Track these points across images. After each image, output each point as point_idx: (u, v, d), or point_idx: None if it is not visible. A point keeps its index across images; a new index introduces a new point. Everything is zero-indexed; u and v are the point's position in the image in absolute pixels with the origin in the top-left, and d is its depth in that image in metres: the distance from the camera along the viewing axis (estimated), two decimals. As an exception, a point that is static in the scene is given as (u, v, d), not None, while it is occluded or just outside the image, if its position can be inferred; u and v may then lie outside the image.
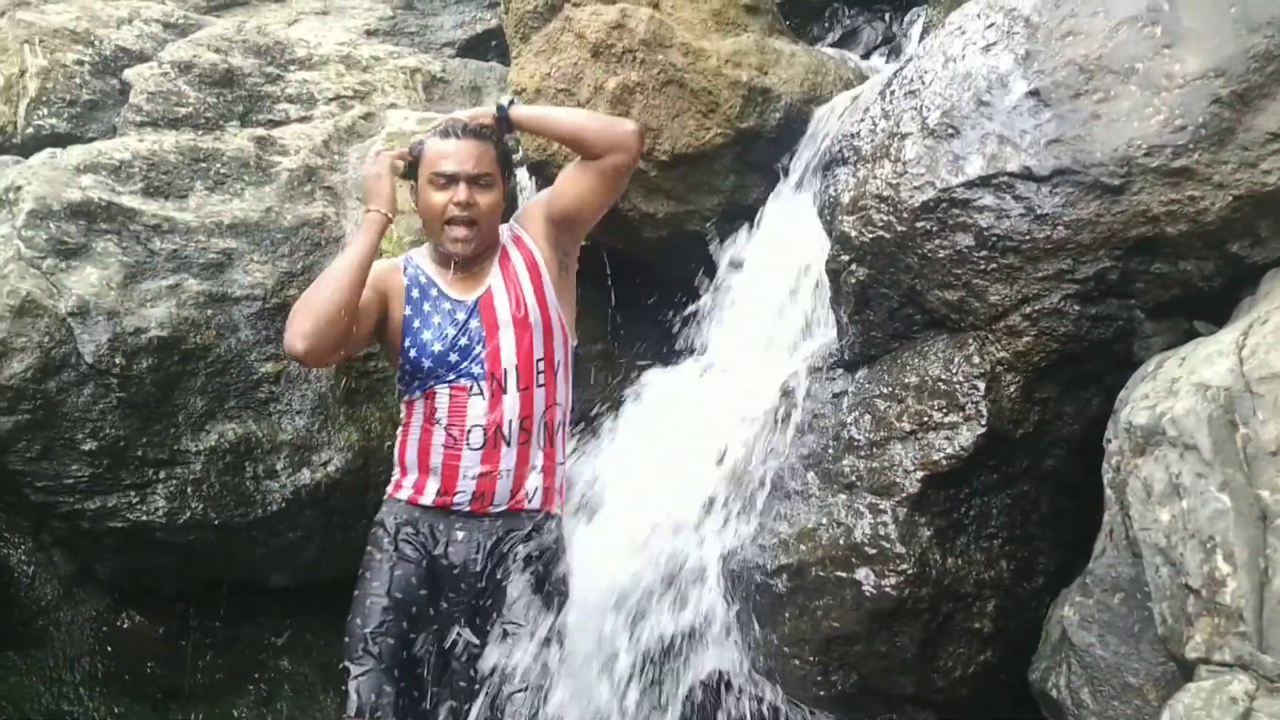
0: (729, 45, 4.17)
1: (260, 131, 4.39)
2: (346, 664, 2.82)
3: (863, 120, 3.35)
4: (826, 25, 7.46)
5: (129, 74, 4.40)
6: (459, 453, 2.92)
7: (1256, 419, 2.24)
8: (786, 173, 4.08)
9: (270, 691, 3.84)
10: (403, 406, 3.05)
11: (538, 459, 2.96)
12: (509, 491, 2.94)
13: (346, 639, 2.86)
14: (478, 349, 2.93)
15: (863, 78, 4.28)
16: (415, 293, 3.00)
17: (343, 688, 2.78)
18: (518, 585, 2.89)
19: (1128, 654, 2.57)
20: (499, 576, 2.91)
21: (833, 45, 7.22)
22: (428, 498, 2.95)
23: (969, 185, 2.89)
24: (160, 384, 3.58)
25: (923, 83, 3.21)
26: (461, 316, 2.95)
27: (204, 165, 4.10)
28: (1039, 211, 2.79)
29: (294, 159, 4.28)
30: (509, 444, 2.92)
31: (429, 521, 2.95)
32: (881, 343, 3.14)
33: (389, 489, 3.05)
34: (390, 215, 2.98)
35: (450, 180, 2.92)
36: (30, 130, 4.18)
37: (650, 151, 4.06)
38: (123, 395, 3.51)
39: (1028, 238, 2.80)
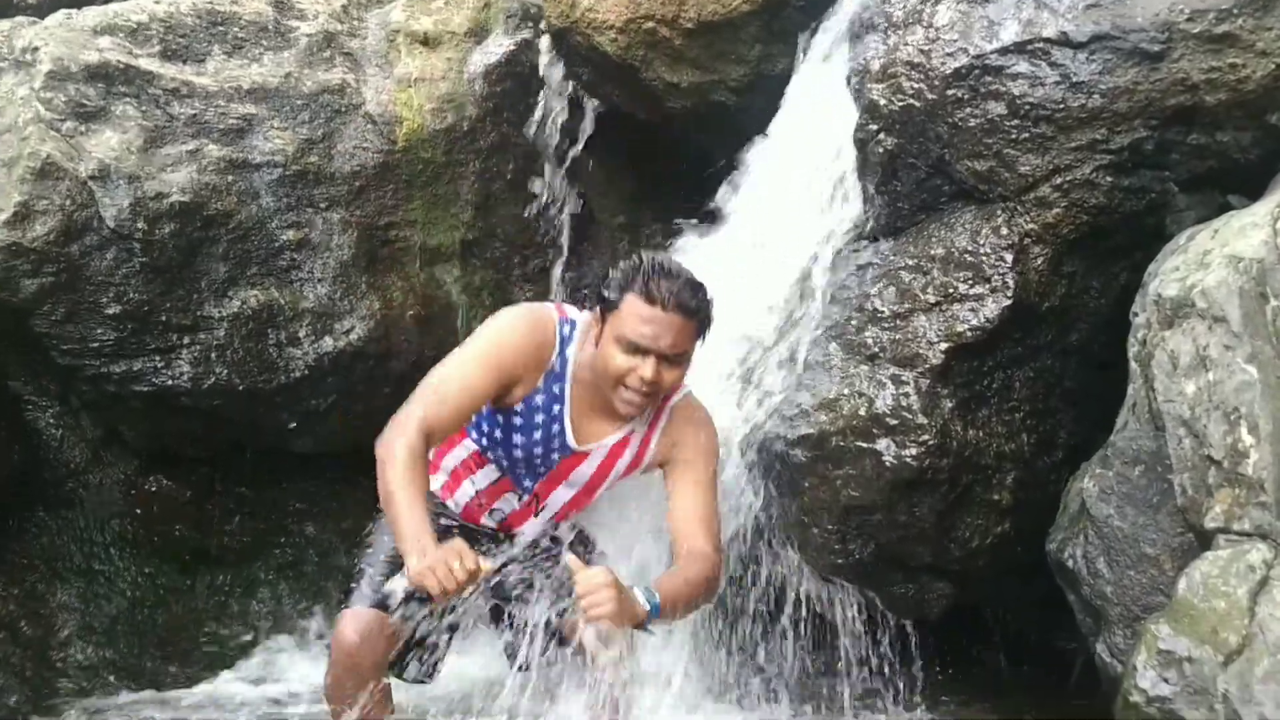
0: (757, -91, 4.03)
1: (277, -4, 4.31)
2: (350, 602, 2.72)
3: (894, -13, 3.27)
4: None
5: (143, -66, 4.30)
6: (480, 512, 2.90)
7: (1289, 291, 2.22)
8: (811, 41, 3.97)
9: (295, 555, 3.91)
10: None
11: None
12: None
13: (353, 586, 2.75)
14: (541, 471, 2.81)
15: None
16: (539, 400, 2.74)
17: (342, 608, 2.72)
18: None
19: (1145, 525, 2.59)
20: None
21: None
22: (454, 508, 2.92)
23: (1003, 52, 2.83)
24: (182, 249, 3.57)
25: (958, -53, 3.11)
26: (555, 446, 2.78)
27: (221, 29, 4.02)
28: (1074, 79, 2.74)
29: (312, 24, 4.20)
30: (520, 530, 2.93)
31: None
32: (908, 214, 3.11)
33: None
34: (414, 568, 2.39)
35: (642, 352, 2.60)
36: (47, -7, 4.11)
37: (675, 19, 3.95)
38: (145, 260, 3.50)
39: (1062, 106, 2.75)
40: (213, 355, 3.56)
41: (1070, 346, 2.99)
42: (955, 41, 2.91)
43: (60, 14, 3.83)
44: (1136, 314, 2.68)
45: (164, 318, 3.53)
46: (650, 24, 3.95)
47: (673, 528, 2.72)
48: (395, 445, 2.55)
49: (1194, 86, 2.64)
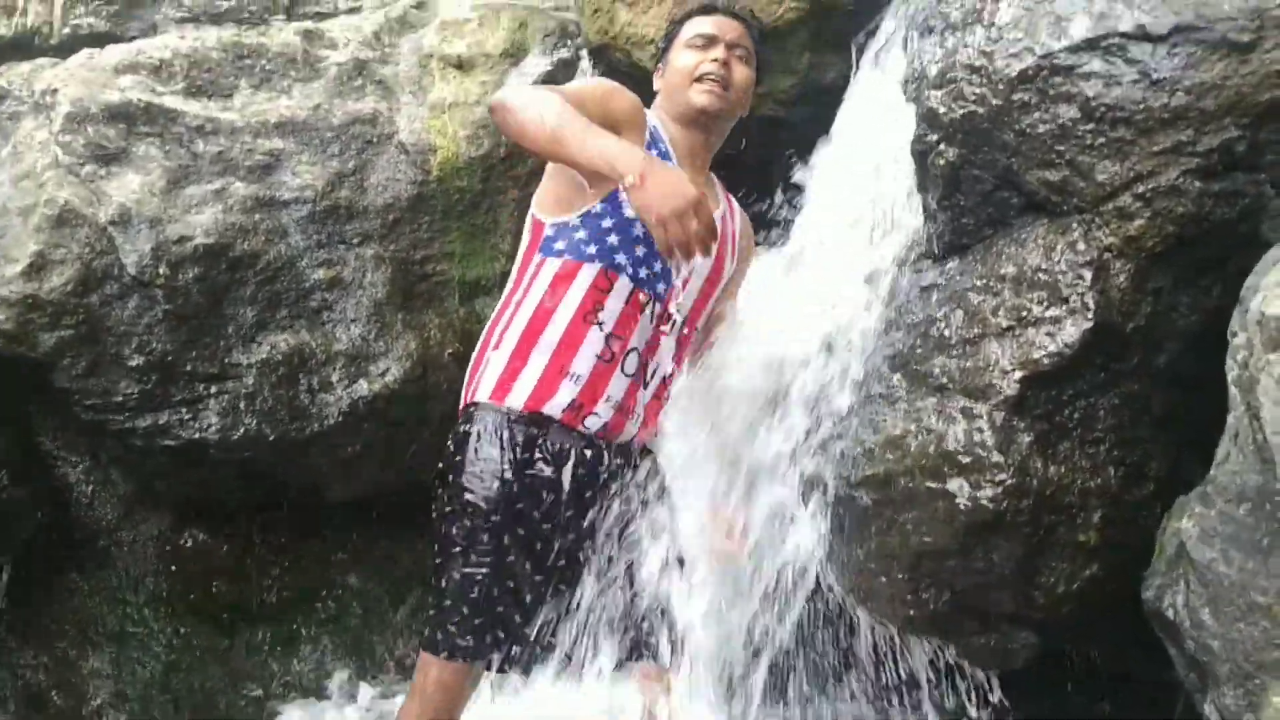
0: (802, -92, 3.82)
1: (307, 24, 4.18)
2: (443, 648, 2.47)
3: (950, -15, 3.04)
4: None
5: (170, -33, 4.19)
6: (612, 370, 2.56)
7: None
8: (863, 50, 3.75)
9: (339, 609, 3.74)
10: (544, 269, 2.60)
11: (655, 422, 2.73)
12: (632, 435, 2.66)
13: (442, 632, 2.47)
14: (668, 262, 2.60)
15: (951, -61, 3.90)
16: (654, 151, 2.65)
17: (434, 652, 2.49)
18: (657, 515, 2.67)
19: (1255, 571, 2.31)
20: (633, 503, 2.64)
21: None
22: (555, 407, 2.52)
23: (1073, 50, 2.57)
24: (208, 294, 3.43)
25: (1018, -62, 2.88)
26: None
27: (248, 62, 3.90)
28: (1155, 76, 2.48)
29: (343, 52, 4.06)
30: (646, 387, 2.65)
31: (554, 439, 2.52)
32: (974, 230, 2.87)
33: (484, 388, 2.58)
34: (628, 173, 2.30)
35: (709, 41, 2.77)
36: (67, 31, 3.97)
37: (721, 31, 3.77)
38: (169, 307, 3.37)
39: (1141, 107, 2.49)
40: (241, 405, 3.41)
41: (1158, 368, 2.72)
42: (1020, 40, 2.66)
43: (83, 54, 3.73)
44: (1235, 333, 2.42)
45: (189, 367, 3.40)
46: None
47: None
48: (528, 93, 2.57)
49: (1291, 79, 2.38)
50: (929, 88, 2.88)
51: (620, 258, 2.59)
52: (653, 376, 2.66)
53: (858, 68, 3.66)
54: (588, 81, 2.82)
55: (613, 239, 2.59)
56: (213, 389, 3.40)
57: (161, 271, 3.34)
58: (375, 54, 4.13)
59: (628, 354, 2.59)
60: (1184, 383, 2.72)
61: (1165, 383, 2.74)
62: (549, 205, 2.69)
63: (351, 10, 4.42)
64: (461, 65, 4.11)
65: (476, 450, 2.52)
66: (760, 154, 3.84)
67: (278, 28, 4.15)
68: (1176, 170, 2.50)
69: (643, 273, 2.61)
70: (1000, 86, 2.67)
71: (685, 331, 2.76)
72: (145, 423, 3.35)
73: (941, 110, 2.81)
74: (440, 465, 2.63)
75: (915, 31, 3.20)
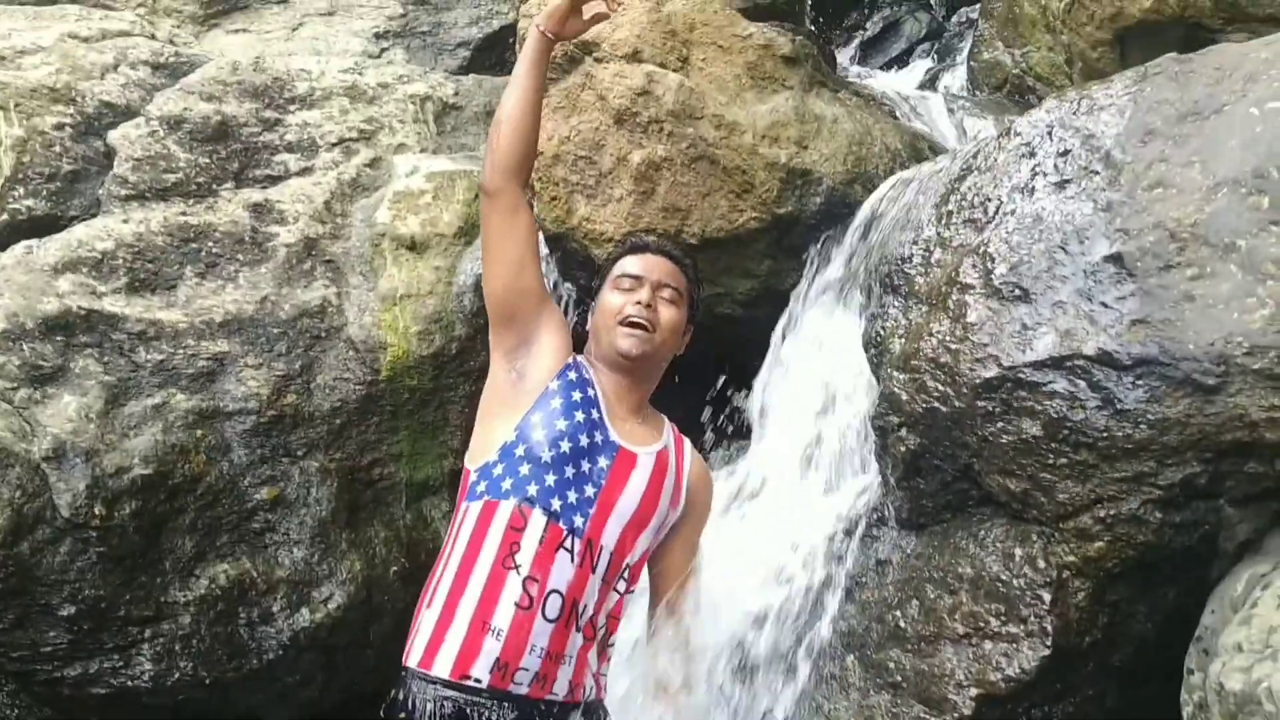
0: (765, 114, 3.78)
1: (256, 196, 4.05)
2: None
3: (915, 243, 3.01)
4: (865, 12, 6.99)
5: (114, 137, 4.03)
6: (532, 617, 2.40)
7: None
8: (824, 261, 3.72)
9: (276, 829, 3.63)
10: (469, 515, 2.51)
11: (593, 663, 2.53)
12: (568, 682, 2.47)
13: None
14: (590, 492, 2.49)
15: (913, 147, 3.89)
16: (573, 375, 2.58)
17: None
18: None
19: None
20: None
21: (873, 38, 6.80)
22: (481, 669, 2.36)
23: (1039, 366, 2.56)
24: (145, 530, 3.24)
25: (985, 213, 2.86)
26: (598, 440, 2.53)
27: (194, 246, 3.78)
28: (1119, 405, 2.46)
29: (292, 230, 3.95)
30: (577, 629, 2.47)
31: (483, 709, 2.38)
32: (933, 512, 2.85)
33: (415, 652, 2.44)
34: (544, 29, 2.69)
35: (635, 282, 2.65)
36: (5, 217, 3.77)
37: (678, 233, 3.72)
38: (103, 549, 3.16)
39: (1105, 434, 2.48)
40: (177, 647, 3.20)
41: (1112, 669, 2.71)
42: (985, 346, 2.64)
43: (20, 248, 3.54)
44: (1191, 671, 2.42)
45: (123, 611, 3.18)
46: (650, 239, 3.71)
47: (663, 565, 2.68)
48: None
49: (1254, 424, 2.36)
50: (891, 367, 2.85)
51: (531, 488, 2.47)
52: (581, 618, 2.50)
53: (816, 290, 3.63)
54: None
55: (524, 469, 2.49)
56: (146, 632, 3.20)
57: (97, 511, 3.13)
58: (326, 228, 4.04)
59: (547, 597, 2.43)
60: (1136, 678, 2.72)
61: (1119, 678, 2.73)
62: (475, 453, 2.61)
63: (303, 171, 4.31)
64: (414, 246, 4.03)
65: None
66: (715, 354, 3.81)
67: (226, 199, 4.02)
68: (1138, 500, 2.49)
69: (554, 504, 2.46)
70: (964, 390, 2.65)
71: (617, 567, 2.56)
72: (75, 672, 3.15)
73: (904, 398, 2.78)
74: None
75: (875, 282, 3.17)
